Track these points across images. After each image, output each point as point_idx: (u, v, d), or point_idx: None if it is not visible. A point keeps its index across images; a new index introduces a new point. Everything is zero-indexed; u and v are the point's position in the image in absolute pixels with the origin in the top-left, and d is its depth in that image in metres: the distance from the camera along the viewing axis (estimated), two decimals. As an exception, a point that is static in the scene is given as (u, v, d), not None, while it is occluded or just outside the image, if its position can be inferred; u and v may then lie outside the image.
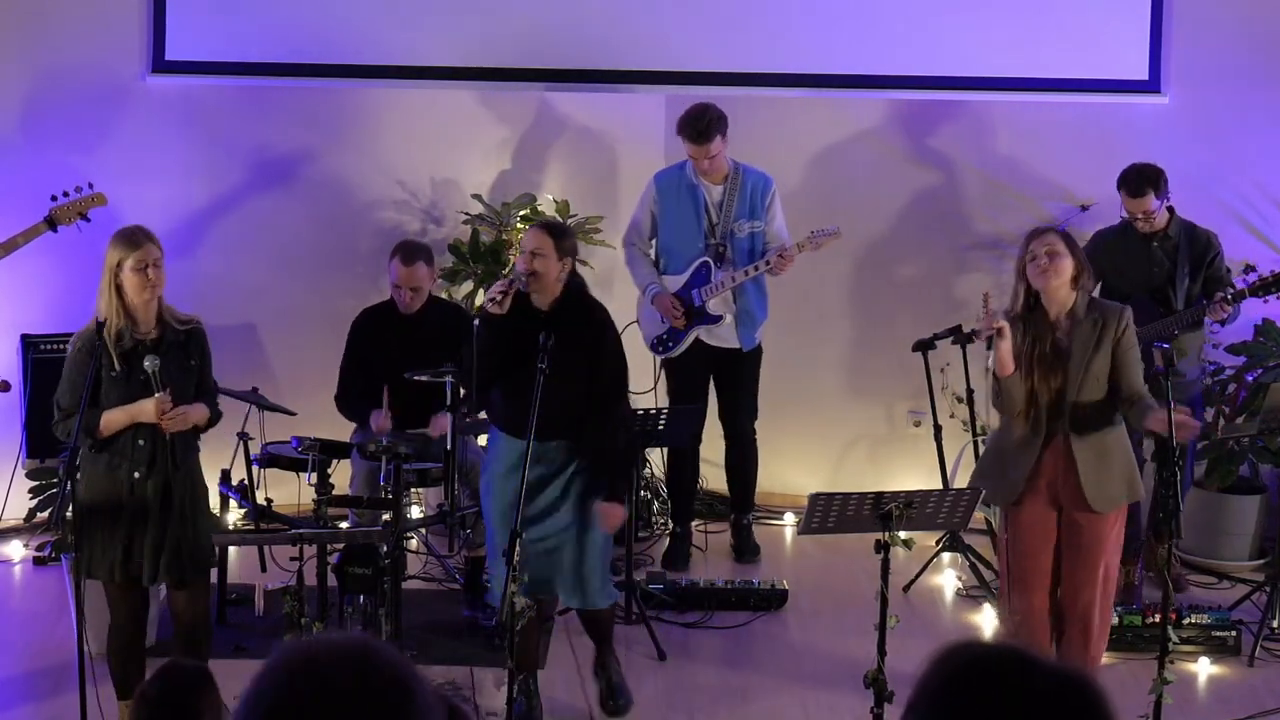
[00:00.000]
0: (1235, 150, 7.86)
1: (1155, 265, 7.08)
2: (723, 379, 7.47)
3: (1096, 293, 7.07)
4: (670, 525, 7.71)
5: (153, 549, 5.41)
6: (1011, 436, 5.58)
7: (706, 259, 7.31)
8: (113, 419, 5.37)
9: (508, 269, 6.99)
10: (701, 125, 7.17)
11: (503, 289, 5.66)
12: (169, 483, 5.44)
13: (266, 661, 1.92)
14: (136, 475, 5.40)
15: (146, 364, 5.36)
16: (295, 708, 1.86)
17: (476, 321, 5.90)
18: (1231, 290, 6.95)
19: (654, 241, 7.42)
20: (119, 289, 5.38)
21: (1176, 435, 5.29)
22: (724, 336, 7.38)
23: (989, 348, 5.39)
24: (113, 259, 5.40)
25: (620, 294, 7.69)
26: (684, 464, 7.62)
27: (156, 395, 5.35)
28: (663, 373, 7.59)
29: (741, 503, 7.70)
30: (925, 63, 8.03)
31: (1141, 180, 7.00)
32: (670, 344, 7.40)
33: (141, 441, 5.40)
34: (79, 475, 5.39)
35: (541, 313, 5.70)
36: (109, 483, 5.41)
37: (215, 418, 5.63)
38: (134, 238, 5.43)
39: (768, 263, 7.26)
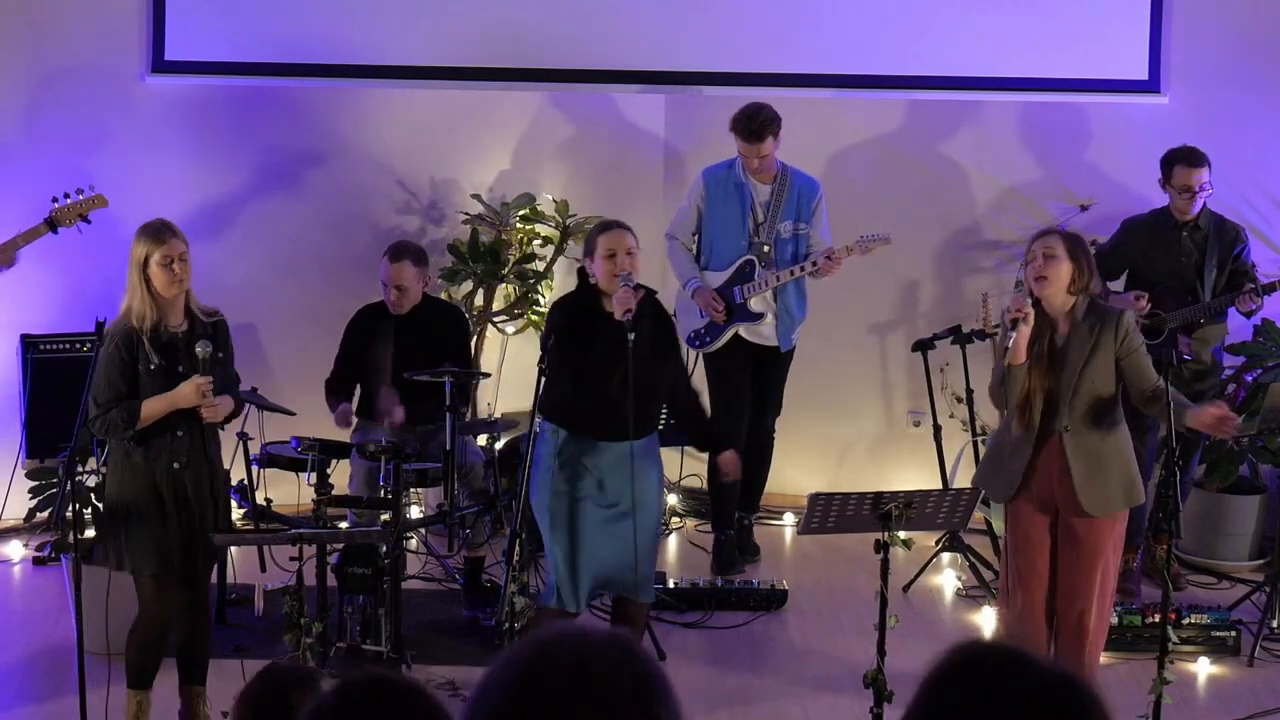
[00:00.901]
0: (1235, 150, 7.85)
1: (1184, 255, 7.08)
2: (757, 376, 7.45)
3: (1123, 281, 7.12)
4: (712, 530, 7.64)
5: (189, 540, 5.43)
6: (1010, 433, 5.58)
7: (750, 257, 7.28)
8: (152, 407, 5.36)
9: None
10: (755, 124, 7.14)
11: (634, 296, 5.60)
12: (201, 474, 5.48)
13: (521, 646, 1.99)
14: (176, 465, 5.42)
15: (199, 349, 5.38)
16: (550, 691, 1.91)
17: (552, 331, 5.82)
18: (1260, 283, 6.96)
19: (696, 237, 7.41)
20: (147, 283, 5.39)
21: (1222, 432, 5.32)
22: (765, 334, 7.36)
23: (1012, 329, 5.37)
24: (139, 254, 5.39)
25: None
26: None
27: (195, 377, 5.36)
28: (697, 367, 7.58)
29: (747, 502, 7.67)
30: (925, 63, 8.02)
31: (1198, 153, 7.01)
32: (707, 338, 7.38)
33: (181, 432, 5.42)
34: (109, 473, 5.41)
35: (611, 313, 5.62)
36: (147, 476, 5.41)
37: (238, 410, 5.67)
38: (159, 233, 5.42)
39: (814, 264, 7.25)
